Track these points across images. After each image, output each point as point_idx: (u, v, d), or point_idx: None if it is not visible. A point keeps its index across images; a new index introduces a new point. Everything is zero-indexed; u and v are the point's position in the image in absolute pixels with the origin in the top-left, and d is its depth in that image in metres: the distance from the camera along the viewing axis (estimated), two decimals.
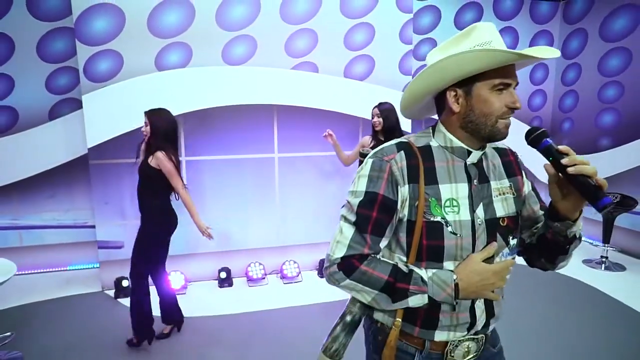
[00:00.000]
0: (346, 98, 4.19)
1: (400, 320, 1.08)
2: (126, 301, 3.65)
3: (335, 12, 4.02)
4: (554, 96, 5.71)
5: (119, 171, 3.74)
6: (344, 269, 1.04)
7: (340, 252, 1.05)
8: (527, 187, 1.19)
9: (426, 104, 1.17)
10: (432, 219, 1.03)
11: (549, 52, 1.01)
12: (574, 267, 4.39)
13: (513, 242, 1.11)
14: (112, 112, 3.66)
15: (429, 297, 1.02)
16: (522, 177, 1.19)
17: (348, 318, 1.14)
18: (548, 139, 1.00)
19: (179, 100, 3.75)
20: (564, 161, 0.96)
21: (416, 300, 1.02)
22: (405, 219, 1.05)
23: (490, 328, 1.14)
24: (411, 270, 1.03)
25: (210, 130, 3.89)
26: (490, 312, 1.11)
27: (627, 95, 4.75)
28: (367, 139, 3.47)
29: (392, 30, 4.21)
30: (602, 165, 5.06)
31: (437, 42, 5.02)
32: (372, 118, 3.40)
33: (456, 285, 1.01)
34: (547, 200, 1.10)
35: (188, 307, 3.31)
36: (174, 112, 2.92)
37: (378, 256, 1.07)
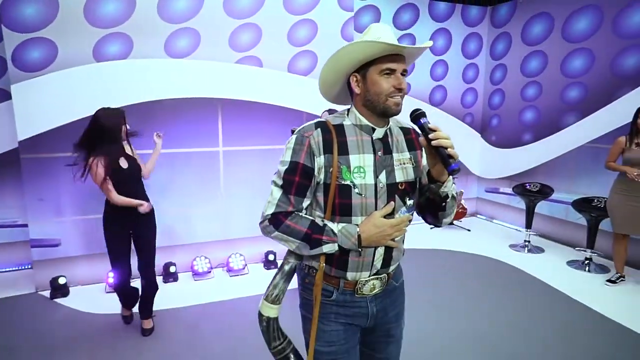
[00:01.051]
0: (290, 92, 4.27)
1: (324, 263, 1.33)
2: (64, 300, 3.53)
3: (278, 7, 4.09)
4: (484, 94, 6.15)
5: (55, 166, 3.57)
6: (273, 223, 1.31)
7: (270, 210, 1.32)
8: (424, 161, 1.42)
9: (343, 91, 1.41)
10: (343, 182, 1.29)
11: (414, 47, 1.28)
12: (501, 251, 4.80)
13: (409, 202, 1.37)
14: (46, 103, 3.49)
15: (338, 245, 1.28)
16: (422, 151, 1.43)
17: (286, 267, 1.41)
18: (422, 119, 1.27)
19: (119, 93, 3.65)
20: (430, 136, 1.23)
21: (329, 248, 1.29)
22: (322, 182, 1.30)
23: (391, 269, 1.41)
24: (325, 224, 1.29)
25: (153, 124, 3.81)
26: (388, 257, 1.37)
27: (545, 94, 5.23)
28: None
29: (334, 27, 4.35)
30: (525, 157, 5.54)
31: None
32: None
33: (359, 236, 1.27)
34: None
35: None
36: (114, 105, 2.86)
37: (301, 213, 1.33)
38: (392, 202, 1.32)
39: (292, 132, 1.41)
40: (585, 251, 4.37)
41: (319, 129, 1.31)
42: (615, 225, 3.84)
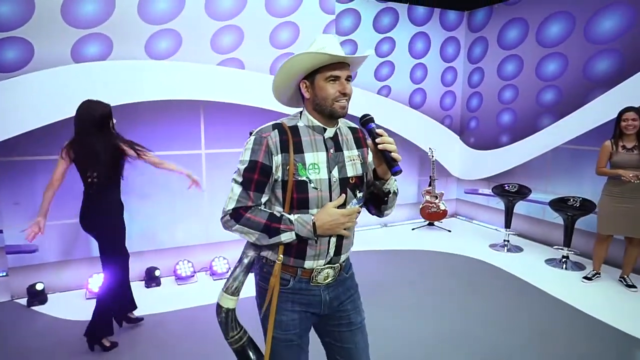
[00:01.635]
0: (272, 95, 4.25)
1: (282, 256, 1.43)
2: (42, 308, 3.43)
3: (260, 10, 4.09)
4: (462, 97, 6.27)
5: (32, 169, 3.48)
6: (234, 217, 1.39)
7: (231, 205, 1.40)
8: (370, 157, 1.56)
9: (295, 95, 1.53)
10: (299, 178, 1.39)
11: (359, 53, 1.41)
12: (481, 251, 4.89)
13: (359, 194, 1.51)
14: (22, 105, 3.38)
15: (295, 233, 1.38)
16: (368, 149, 1.56)
17: (245, 260, 1.52)
18: (371, 124, 1.41)
19: (98, 94, 3.49)
20: (377, 140, 1.37)
21: (287, 236, 1.38)
22: (280, 180, 1.40)
23: (342, 258, 1.52)
24: (282, 215, 1.39)
25: (134, 126, 3.75)
26: (339, 245, 1.48)
27: (521, 97, 5.38)
28: None
29: (315, 30, 4.37)
30: (502, 159, 5.67)
31: (358, 43, 5.29)
32: None
33: (314, 223, 1.38)
34: None
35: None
36: None
37: (260, 208, 1.42)
38: (343, 195, 1.44)
39: (250, 133, 1.50)
40: (562, 249, 4.49)
41: (276, 130, 1.42)
42: (600, 226, 3.89)
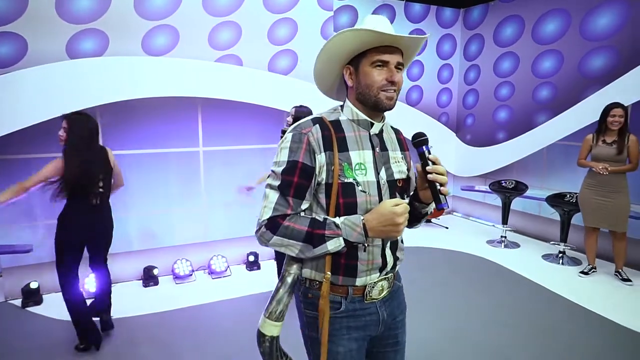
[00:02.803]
0: (270, 92, 4.24)
1: (329, 273, 1.23)
2: (37, 309, 3.37)
3: (258, 6, 4.05)
4: (458, 94, 6.29)
5: (26, 167, 3.40)
6: (270, 228, 1.20)
7: (267, 215, 1.21)
8: (411, 161, 1.45)
9: (338, 84, 1.37)
10: (345, 180, 1.22)
11: (415, 37, 1.23)
12: (479, 247, 4.91)
13: (406, 199, 1.38)
14: (15, 102, 3.32)
15: (344, 239, 1.19)
16: (409, 153, 1.45)
17: (289, 279, 1.30)
18: (424, 147, 1.26)
19: (94, 91, 3.52)
20: (428, 168, 1.23)
21: (334, 244, 1.19)
22: (323, 182, 1.23)
23: (397, 268, 1.39)
24: (325, 219, 1.21)
25: (131, 123, 3.71)
26: (395, 256, 1.34)
27: (517, 94, 5.40)
28: None
29: (314, 26, 4.35)
30: (499, 155, 5.69)
31: None
32: None
33: (364, 224, 1.18)
34: None
35: (112, 309, 3.12)
36: (89, 104, 2.77)
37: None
38: (405, 196, 1.32)
39: (282, 131, 1.37)
40: (558, 245, 4.52)
41: (317, 125, 1.24)
42: (585, 219, 3.99)
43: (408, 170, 1.39)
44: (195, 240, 4.13)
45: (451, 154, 6.37)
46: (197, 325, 3.13)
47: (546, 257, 4.58)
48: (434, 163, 1.24)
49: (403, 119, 5.75)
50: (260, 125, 4.23)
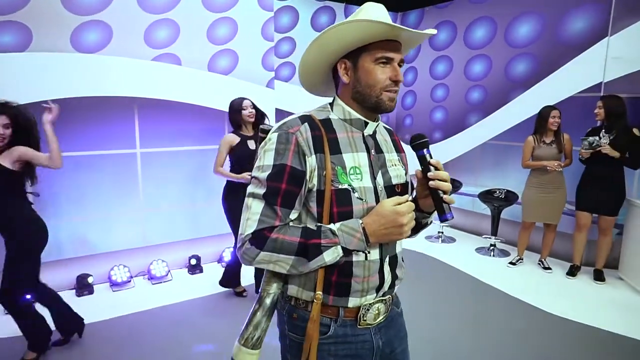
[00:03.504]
0: (211, 92, 4.17)
1: (320, 293, 1.07)
2: None
3: (197, 4, 3.97)
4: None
5: None
6: (255, 242, 1.04)
7: (251, 228, 1.05)
8: (408, 164, 1.32)
9: (327, 81, 1.23)
10: (339, 186, 1.07)
11: (420, 32, 1.12)
12: (418, 243, 5.12)
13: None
14: None
15: (342, 248, 1.04)
16: (405, 155, 1.32)
17: (267, 301, 1.14)
18: (425, 150, 1.13)
19: (17, 89, 3.27)
20: (430, 174, 1.10)
21: (331, 254, 1.04)
22: (314, 189, 1.07)
23: (395, 289, 1.22)
24: (319, 226, 1.05)
25: (61, 124, 3.48)
26: (394, 274, 1.18)
27: (451, 95, 5.69)
28: None
29: (254, 26, 4.32)
30: (435, 154, 5.92)
31: (296, 41, 5.30)
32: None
33: (364, 229, 1.05)
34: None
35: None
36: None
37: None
38: (407, 195, 1.20)
39: (261, 130, 1.18)
40: (490, 238, 4.83)
41: (306, 124, 1.09)
42: (525, 214, 4.23)
43: (405, 173, 1.26)
44: (134, 245, 3.97)
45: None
46: (137, 333, 3.02)
47: (479, 250, 4.88)
48: (436, 168, 1.11)
49: None
50: (201, 126, 4.16)
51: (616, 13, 3.99)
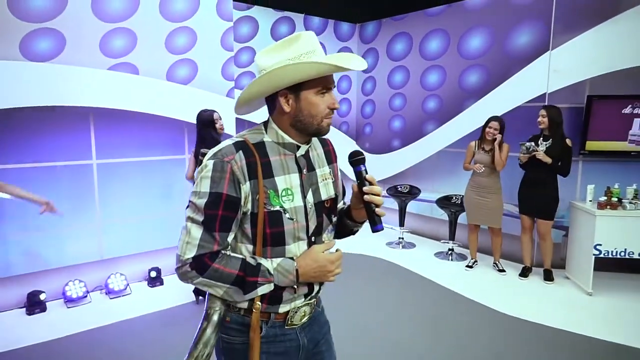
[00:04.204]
0: (170, 101, 4.12)
1: (259, 303, 1.17)
2: None
3: (154, 14, 3.93)
4: (357, 104, 6.65)
5: None
6: (196, 267, 1.11)
7: (190, 253, 1.11)
8: (339, 173, 1.40)
9: (257, 104, 1.29)
10: (272, 208, 1.15)
11: (359, 64, 1.19)
12: (379, 249, 5.22)
13: (334, 219, 1.33)
14: None
15: (274, 284, 1.16)
16: (337, 164, 1.39)
17: (215, 317, 1.19)
18: (362, 166, 1.24)
19: None
20: (365, 189, 1.20)
21: (265, 290, 1.16)
22: (249, 212, 1.15)
23: (320, 293, 1.35)
24: (259, 264, 1.15)
25: (12, 135, 3.36)
26: (322, 283, 1.31)
27: (409, 105, 5.87)
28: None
29: (213, 36, 4.32)
30: (395, 162, 6.12)
31: (256, 51, 5.33)
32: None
33: (297, 271, 1.17)
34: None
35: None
36: None
37: (227, 252, 1.16)
38: (334, 240, 1.31)
39: (202, 154, 1.26)
40: (448, 243, 5.00)
41: (240, 152, 1.14)
42: (468, 217, 4.49)
43: (335, 184, 1.33)
44: (90, 259, 3.85)
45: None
46: (95, 350, 2.92)
47: (438, 254, 5.03)
48: (370, 183, 1.21)
49: None
50: (160, 136, 4.10)
51: (556, 29, 4.28)
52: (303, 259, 1.18)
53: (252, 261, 1.15)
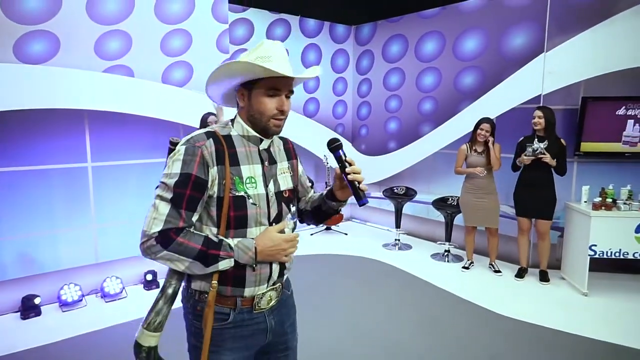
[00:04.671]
0: (165, 104, 4.11)
1: (216, 282, 1.26)
2: None
3: (149, 16, 3.92)
4: (353, 106, 6.65)
5: None
6: (161, 242, 1.19)
7: (157, 227, 1.19)
8: (300, 168, 1.55)
9: (231, 96, 1.40)
10: (237, 194, 1.27)
11: (308, 72, 1.33)
12: (375, 251, 5.23)
13: (293, 208, 1.46)
14: None
15: (235, 260, 1.25)
16: (297, 161, 1.53)
17: (169, 290, 1.30)
18: (340, 151, 1.38)
19: None
20: (348, 169, 1.35)
21: (225, 264, 1.24)
22: (215, 196, 1.26)
23: (285, 277, 1.43)
24: (221, 240, 1.25)
25: (6, 137, 3.34)
26: (282, 266, 1.39)
27: (404, 106, 5.88)
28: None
29: (209, 38, 4.31)
30: (391, 163, 6.13)
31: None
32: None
33: (255, 249, 1.27)
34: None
35: None
36: None
37: (191, 229, 1.26)
38: (288, 219, 1.41)
39: (171, 142, 1.37)
40: (444, 244, 5.01)
41: (211, 139, 1.27)
42: (465, 218, 4.50)
43: (294, 177, 1.47)
44: (85, 263, 3.82)
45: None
46: (91, 354, 2.90)
47: (434, 256, 5.04)
48: (350, 164, 1.36)
49: (301, 130, 5.94)
50: (155, 139, 4.08)
51: (550, 31, 4.31)
52: (261, 239, 1.28)
53: (214, 238, 1.25)
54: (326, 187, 1.64)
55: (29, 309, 3.44)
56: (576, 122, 4.24)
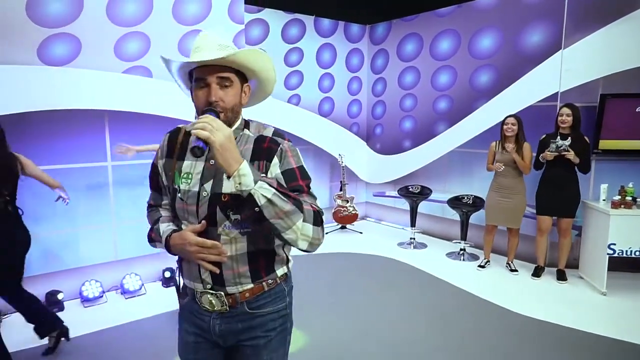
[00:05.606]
0: (183, 104, 4.16)
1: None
2: None
3: (167, 17, 3.99)
4: (368, 105, 6.66)
5: None
6: (147, 209, 1.53)
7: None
8: (275, 172, 1.26)
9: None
10: (174, 186, 1.32)
11: (205, 54, 1.22)
12: (391, 249, 5.23)
13: (234, 217, 1.24)
14: None
15: (164, 245, 1.34)
16: (269, 163, 1.26)
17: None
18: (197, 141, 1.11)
19: None
20: (192, 132, 1.10)
21: (158, 245, 1.40)
22: (166, 185, 1.39)
23: (231, 290, 1.29)
24: (157, 222, 1.40)
25: (29, 138, 3.44)
26: (216, 276, 1.28)
27: (419, 105, 5.87)
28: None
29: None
30: (405, 162, 6.12)
31: (267, 53, 5.37)
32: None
33: (167, 240, 1.32)
34: None
35: (10, 341, 2.86)
36: None
37: (159, 208, 1.46)
38: (204, 222, 1.26)
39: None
40: (459, 243, 4.99)
41: (169, 134, 1.41)
42: (487, 217, 4.45)
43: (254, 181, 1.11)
44: (105, 260, 3.92)
45: (363, 162, 6.71)
46: (111, 349, 2.98)
47: (450, 254, 5.02)
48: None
49: (316, 129, 5.97)
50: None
51: (568, 28, 4.25)
52: (177, 233, 1.30)
53: (160, 221, 1.40)
54: (341, 186, 1.62)
55: (52, 304, 3.54)
56: (594, 120, 4.18)
